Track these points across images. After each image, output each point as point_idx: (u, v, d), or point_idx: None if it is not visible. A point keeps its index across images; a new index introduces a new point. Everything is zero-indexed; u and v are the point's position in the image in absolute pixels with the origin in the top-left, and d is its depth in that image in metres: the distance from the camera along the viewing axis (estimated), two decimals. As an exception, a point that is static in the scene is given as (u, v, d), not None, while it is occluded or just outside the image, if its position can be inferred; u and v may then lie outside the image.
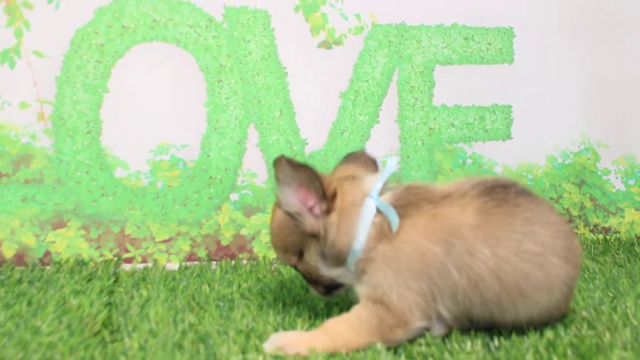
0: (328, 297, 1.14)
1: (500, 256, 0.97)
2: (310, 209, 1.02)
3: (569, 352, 0.97)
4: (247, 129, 1.59)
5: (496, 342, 1.03)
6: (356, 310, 1.00)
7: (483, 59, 1.72)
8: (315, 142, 1.62)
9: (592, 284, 1.43)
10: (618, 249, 1.79)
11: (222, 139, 1.57)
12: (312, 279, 1.11)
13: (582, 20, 1.82)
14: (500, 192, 1.01)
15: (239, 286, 1.38)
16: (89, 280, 1.39)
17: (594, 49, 1.83)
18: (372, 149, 1.65)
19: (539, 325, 1.05)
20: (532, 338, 1.04)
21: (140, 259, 1.57)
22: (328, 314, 1.17)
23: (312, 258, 1.07)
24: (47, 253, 1.53)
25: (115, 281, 1.40)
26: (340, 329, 0.97)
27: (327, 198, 1.02)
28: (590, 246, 1.84)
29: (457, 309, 0.99)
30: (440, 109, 1.69)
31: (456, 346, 1.00)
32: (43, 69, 1.50)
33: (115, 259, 1.55)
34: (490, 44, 1.72)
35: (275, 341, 0.98)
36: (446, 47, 1.68)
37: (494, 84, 1.74)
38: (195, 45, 1.54)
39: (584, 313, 1.19)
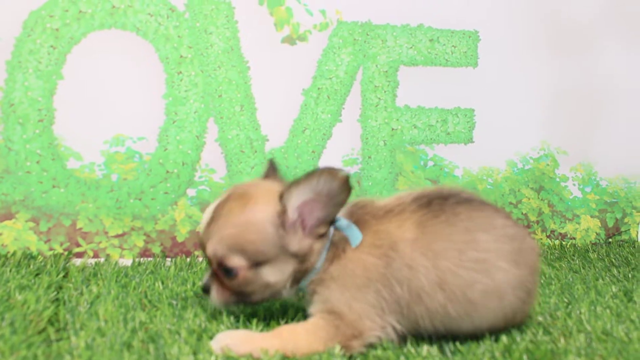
0: (225, 307, 1.07)
1: (442, 267, 0.97)
2: (303, 226, 0.98)
3: (525, 357, 0.98)
4: (206, 123, 1.56)
5: (452, 346, 1.03)
6: (313, 319, 0.99)
7: (447, 61, 1.72)
8: (276, 139, 1.60)
9: (547, 289, 1.45)
10: (573, 255, 1.82)
11: (181, 132, 1.53)
12: (240, 290, 1.02)
13: (548, 29, 1.84)
14: (438, 204, 1.02)
15: (194, 284, 1.35)
16: (37, 275, 1.34)
17: (558, 58, 1.86)
18: (333, 147, 1.64)
19: (502, 330, 1.05)
20: (487, 343, 1.05)
21: (92, 254, 1.53)
22: (283, 314, 1.15)
23: (273, 274, 1.00)
24: (-7, 245, 1.48)
25: (65, 276, 1.36)
26: (295, 334, 0.96)
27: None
28: (547, 252, 1.87)
29: (405, 321, 1.00)
30: (403, 109, 1.69)
31: (412, 350, 0.99)
32: (-7, 52, 1.44)
33: (66, 253, 1.50)
34: (455, 47, 1.72)
35: (222, 340, 0.95)
36: (411, 47, 1.68)
37: (458, 87, 1.75)
38: (155, 35, 1.50)
39: (540, 318, 1.20)
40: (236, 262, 0.98)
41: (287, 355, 0.93)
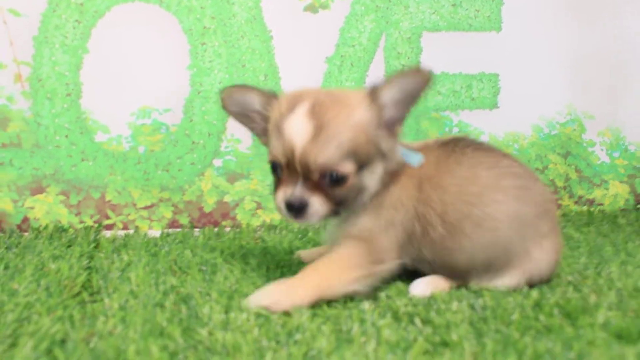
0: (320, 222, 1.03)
1: (446, 201, 1.03)
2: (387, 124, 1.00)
3: (556, 311, 0.98)
4: (231, 94, 1.55)
5: (482, 302, 1.03)
6: (337, 250, 1.02)
7: (471, 26, 1.69)
8: (300, 108, 1.59)
9: (576, 251, 1.44)
10: (602, 221, 1.80)
11: (206, 103, 1.54)
12: (342, 198, 0.99)
13: None
14: (452, 145, 1.08)
15: (222, 252, 1.36)
16: (69, 246, 1.37)
17: (584, 21, 1.82)
18: (358, 115, 1.63)
19: (504, 266, 1.07)
20: (517, 299, 1.05)
21: (121, 226, 1.54)
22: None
23: (370, 177, 1.00)
24: (25, 219, 1.50)
25: (96, 247, 1.38)
26: (323, 269, 1.00)
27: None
28: (575, 217, 1.85)
29: (412, 252, 1.06)
30: (427, 76, 1.68)
31: (442, 306, 0.99)
32: (20, 28, 1.45)
33: (96, 225, 1.52)
34: (478, 11, 1.69)
35: (259, 301, 0.96)
36: (434, 13, 1.66)
37: (482, 51, 1.72)
38: (178, 7, 1.50)
39: (569, 277, 1.20)
40: (348, 167, 0.96)
41: (324, 298, 0.97)
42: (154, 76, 1.51)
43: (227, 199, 1.59)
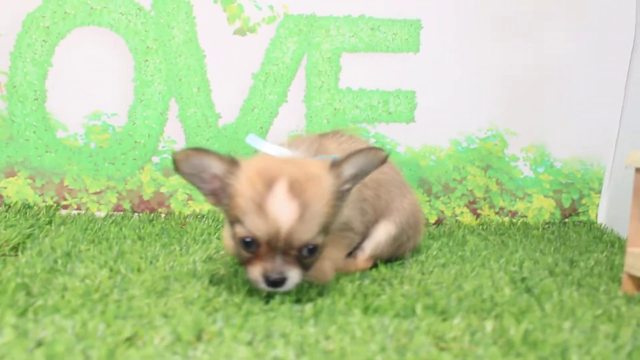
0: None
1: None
2: None
3: (350, 295, 1.19)
4: (168, 102, 1.99)
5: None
6: (329, 249, 1.22)
7: (389, 47, 2.02)
8: (228, 116, 2.00)
9: (453, 255, 1.62)
10: (517, 231, 1.98)
11: (147, 109, 1.97)
12: (311, 262, 1.14)
13: (494, 13, 2.02)
14: (330, 135, 1.49)
15: (145, 231, 1.74)
16: (27, 219, 1.80)
17: (505, 41, 2.04)
18: (280, 125, 2.01)
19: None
20: (331, 287, 1.25)
21: (75, 206, 2.00)
22: (196, 240, 1.53)
23: (327, 237, 1.16)
24: (0, 196, 1.98)
25: (49, 222, 1.81)
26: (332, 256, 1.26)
27: None
28: (494, 226, 2.05)
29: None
30: (345, 91, 2.02)
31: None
32: (0, 45, 1.94)
33: (55, 205, 1.98)
34: (396, 34, 2.01)
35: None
36: (353, 36, 2.00)
37: (399, 70, 2.02)
38: (126, 30, 1.94)
39: (413, 272, 1.42)
40: (321, 239, 1.11)
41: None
42: (104, 86, 1.97)
43: (163, 190, 2.01)
